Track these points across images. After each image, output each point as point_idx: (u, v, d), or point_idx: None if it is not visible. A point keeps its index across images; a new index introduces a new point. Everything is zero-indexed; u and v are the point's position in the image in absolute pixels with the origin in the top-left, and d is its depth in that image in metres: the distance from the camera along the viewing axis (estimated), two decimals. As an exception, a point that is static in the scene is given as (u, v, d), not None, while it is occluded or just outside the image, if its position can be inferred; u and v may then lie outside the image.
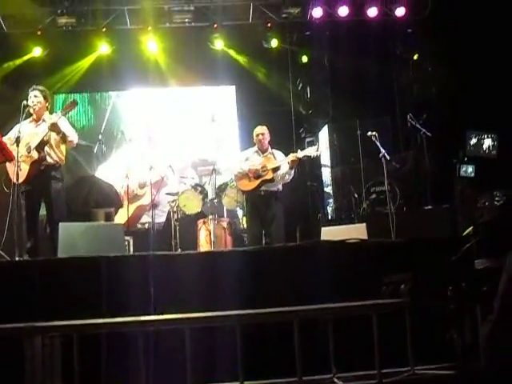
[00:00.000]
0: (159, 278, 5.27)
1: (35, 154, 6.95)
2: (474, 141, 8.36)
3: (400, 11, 10.84)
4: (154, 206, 8.75)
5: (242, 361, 4.50)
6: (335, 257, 5.69)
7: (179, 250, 8.38)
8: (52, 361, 4.39)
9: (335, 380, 4.61)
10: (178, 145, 9.11)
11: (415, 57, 11.35)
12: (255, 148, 8.39)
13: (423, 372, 4.68)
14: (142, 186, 9.14)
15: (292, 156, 7.91)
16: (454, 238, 6.05)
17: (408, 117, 9.26)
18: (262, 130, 8.35)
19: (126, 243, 7.77)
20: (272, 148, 8.38)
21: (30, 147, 6.94)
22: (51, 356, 4.38)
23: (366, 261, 5.60)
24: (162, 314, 4.65)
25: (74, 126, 7.39)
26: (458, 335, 4.93)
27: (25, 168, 6.93)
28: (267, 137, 8.33)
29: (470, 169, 8.26)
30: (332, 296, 4.88)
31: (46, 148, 7.06)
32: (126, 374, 4.62)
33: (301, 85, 11.59)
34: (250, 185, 8.17)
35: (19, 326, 4.36)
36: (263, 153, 8.29)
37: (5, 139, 6.86)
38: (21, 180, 6.85)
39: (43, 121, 7.16)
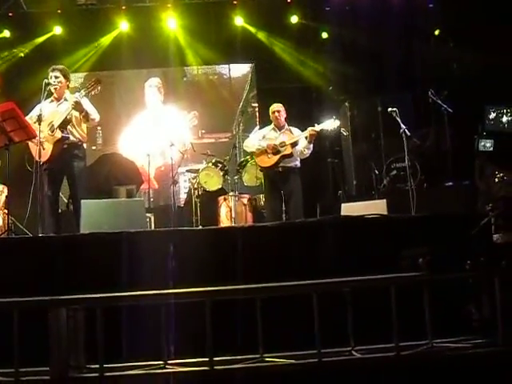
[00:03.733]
0: (180, 253, 5.33)
1: (58, 133, 6.99)
2: (492, 115, 8.29)
3: (421, -15, 10.73)
4: (174, 183, 8.78)
5: (261, 334, 4.56)
6: (355, 232, 5.72)
7: (200, 227, 8.44)
8: (76, 333, 4.48)
9: (353, 353, 4.64)
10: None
11: (436, 32, 11.24)
12: (272, 125, 8.48)
13: (441, 345, 4.69)
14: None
15: (310, 130, 7.97)
16: (472, 214, 6.04)
17: (429, 93, 9.20)
18: (277, 107, 8.46)
19: (148, 220, 7.83)
20: (289, 125, 8.47)
21: (53, 126, 6.98)
22: (75, 328, 4.47)
23: (385, 236, 5.61)
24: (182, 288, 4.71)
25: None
26: (477, 309, 4.95)
27: (48, 147, 6.99)
28: (283, 114, 8.44)
29: (489, 143, 8.20)
30: (351, 271, 4.91)
31: (69, 127, 7.11)
32: (147, 346, 4.69)
33: (321, 61, 11.51)
34: (269, 161, 8.25)
35: (45, 298, 4.46)
36: (280, 129, 8.38)
37: (26, 118, 6.92)
38: (44, 159, 6.90)
39: (65, 99, 7.21)
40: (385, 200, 7.82)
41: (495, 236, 4.98)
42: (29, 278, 5.16)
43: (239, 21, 11.33)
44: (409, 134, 8.27)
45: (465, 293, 5.00)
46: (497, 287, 4.61)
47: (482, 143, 8.23)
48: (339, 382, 4.37)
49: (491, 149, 8.15)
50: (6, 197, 8.22)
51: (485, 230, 5.03)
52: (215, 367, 4.37)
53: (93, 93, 7.08)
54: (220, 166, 9.27)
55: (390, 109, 8.39)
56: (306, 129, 8.19)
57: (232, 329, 4.94)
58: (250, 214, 8.96)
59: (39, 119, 6.80)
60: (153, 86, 8.74)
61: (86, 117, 7.11)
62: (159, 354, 4.57)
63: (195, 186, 9.25)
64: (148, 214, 7.89)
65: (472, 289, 4.96)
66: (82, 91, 7.07)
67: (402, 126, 8.21)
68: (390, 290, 4.53)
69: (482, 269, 4.77)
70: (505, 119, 8.42)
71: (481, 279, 4.90)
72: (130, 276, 5.12)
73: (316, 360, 4.42)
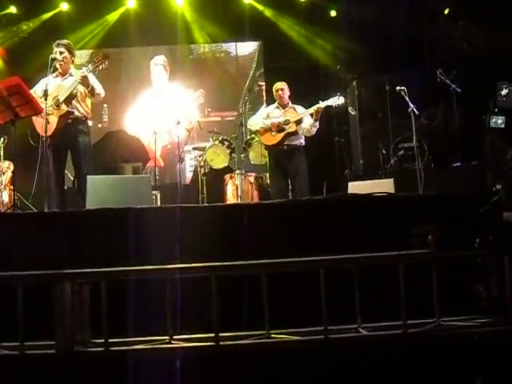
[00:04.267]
0: (186, 229, 5.31)
1: (64, 107, 6.97)
2: (504, 92, 8.17)
3: (431, -37, 10.61)
4: (180, 160, 8.75)
5: (268, 310, 4.54)
6: (362, 210, 5.69)
7: (205, 204, 8.40)
8: (81, 307, 4.46)
9: (360, 330, 4.62)
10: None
11: (446, 11, 11.12)
12: (276, 104, 8.48)
13: (449, 324, 4.66)
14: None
15: (315, 107, 7.93)
16: (481, 193, 5.98)
17: (438, 72, 9.10)
18: (281, 85, 8.44)
19: (154, 197, 7.81)
20: (296, 103, 8.42)
21: (58, 100, 6.95)
22: (80, 302, 4.46)
23: (393, 214, 5.57)
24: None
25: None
26: (485, 288, 4.92)
27: (53, 121, 6.94)
28: (287, 92, 8.42)
29: (500, 120, 8.09)
30: (358, 248, 4.87)
31: (74, 101, 7.08)
32: (153, 321, 4.69)
33: (329, 40, 11.42)
34: (273, 139, 8.23)
35: (49, 272, 4.45)
36: (284, 107, 8.36)
37: (31, 92, 6.88)
38: (48, 133, 6.85)
39: (70, 74, 7.17)
40: (392, 179, 7.80)
41: (505, 214, 4.93)
42: (34, 252, 5.15)
43: (247, -3, 11.24)
44: (417, 113, 8.19)
45: (473, 272, 4.96)
46: (506, 266, 4.56)
47: (494, 120, 8.13)
48: (346, 359, 4.34)
49: (502, 125, 8.06)
50: (13, 173, 8.21)
51: (495, 207, 4.99)
52: (221, 343, 4.36)
53: (100, 68, 7.03)
54: (227, 143, 9.21)
55: (398, 88, 8.30)
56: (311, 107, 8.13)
57: (238, 305, 4.92)
58: (256, 193, 8.91)
59: (45, 94, 6.75)
60: (158, 65, 8.71)
61: (92, 92, 7.07)
62: (165, 330, 4.55)
63: (201, 163, 9.20)
64: (154, 192, 7.87)
65: (481, 267, 4.93)
66: (89, 66, 7.02)
67: (411, 105, 8.13)
68: (399, 267, 4.49)
69: (491, 247, 4.73)
70: (517, 95, 8.33)
71: (490, 258, 4.86)
72: (136, 252, 5.10)
73: (322, 337, 4.40)
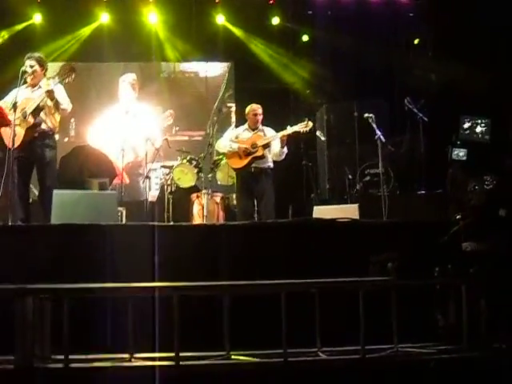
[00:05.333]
0: (149, 247, 5.32)
1: (31, 119, 6.91)
2: (467, 125, 8.38)
3: (403, -6, 10.83)
4: (147, 177, 8.77)
5: (228, 331, 4.57)
6: (325, 235, 5.76)
7: (171, 223, 8.41)
8: (42, 322, 4.44)
9: (320, 353, 4.67)
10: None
11: (416, 41, 11.35)
12: (246, 125, 8.43)
13: (406, 350, 4.74)
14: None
15: (281, 133, 7.97)
16: (443, 222, 6.09)
17: (405, 101, 9.26)
18: (258, 108, 8.33)
19: (119, 214, 7.80)
20: (264, 125, 8.38)
21: (25, 112, 6.91)
22: (41, 318, 4.43)
23: (355, 240, 5.66)
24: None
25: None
26: (442, 316, 5.02)
27: (20, 133, 6.89)
28: (261, 116, 8.36)
29: (462, 153, 8.28)
30: (321, 273, 4.93)
31: (42, 114, 7.05)
32: (114, 339, 4.69)
33: (300, 64, 11.54)
34: (240, 162, 8.21)
35: (11, 286, 4.42)
36: (253, 130, 8.32)
37: (1, 103, 6.85)
38: (15, 145, 6.80)
39: (40, 87, 7.15)
40: (357, 205, 7.89)
41: (465, 244, 5.04)
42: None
43: (221, 19, 11.33)
44: (384, 140, 8.32)
45: (432, 299, 5.06)
46: (463, 295, 4.67)
47: (456, 152, 8.31)
48: (304, 383, 4.38)
49: (464, 158, 8.24)
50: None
51: (455, 237, 5.09)
52: (181, 362, 4.37)
53: (67, 81, 7.01)
54: (194, 163, 9.23)
55: (366, 114, 8.43)
56: (281, 130, 8.16)
57: (199, 325, 4.94)
58: (222, 213, 8.92)
59: (14, 106, 6.73)
60: (126, 82, 8.75)
61: (57, 105, 7.04)
62: (126, 348, 4.55)
63: (168, 182, 9.21)
64: (120, 208, 7.87)
65: (439, 296, 5.02)
66: (56, 78, 7.01)
67: (377, 132, 8.25)
68: (359, 293, 4.56)
69: (449, 276, 4.84)
70: (479, 129, 8.51)
71: (448, 286, 4.96)
72: (105, 268, 5.08)
73: (282, 359, 4.44)
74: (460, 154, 8.29)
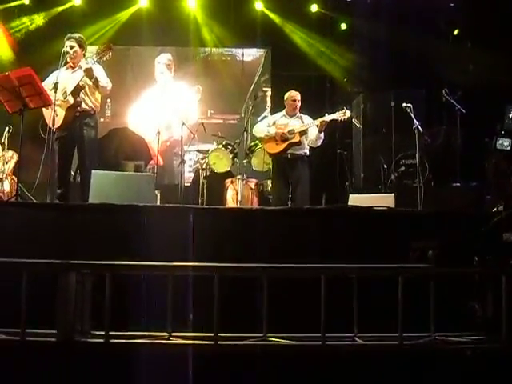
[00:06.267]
0: (190, 230, 5.36)
1: (71, 99, 7.00)
2: (513, 114, 8.30)
3: (444, -17, 10.72)
4: (182, 161, 8.80)
5: (267, 314, 4.59)
6: (362, 222, 5.75)
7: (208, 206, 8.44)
8: (83, 298, 4.50)
9: (356, 339, 4.67)
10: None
11: (455, 32, 11.23)
12: (283, 112, 8.46)
13: (443, 339, 4.72)
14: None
15: (320, 120, 7.98)
16: (482, 213, 6.05)
17: (443, 91, 9.18)
18: (297, 95, 8.40)
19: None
20: (301, 113, 8.42)
21: (65, 92, 7.00)
22: (82, 293, 4.50)
23: (392, 228, 5.64)
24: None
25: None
26: (480, 306, 4.98)
27: (61, 113, 7.00)
28: (299, 103, 8.39)
29: (507, 142, 8.19)
30: (356, 260, 4.93)
31: (82, 94, 7.11)
32: (153, 317, 4.73)
33: (338, 52, 11.50)
34: (277, 147, 8.24)
35: (56, 261, 4.49)
36: (291, 117, 8.36)
37: (42, 85, 6.92)
38: (56, 125, 6.91)
39: (79, 67, 7.19)
40: (393, 194, 7.86)
41: (506, 234, 4.99)
42: (37, 243, 5.21)
43: (259, 5, 11.35)
44: (422, 130, 8.25)
45: (470, 289, 5.02)
46: (503, 286, 4.63)
47: (500, 141, 8.22)
48: (341, 367, 4.39)
49: (508, 148, 8.15)
50: (16, 162, 8.23)
51: (496, 227, 5.05)
52: (219, 342, 4.40)
53: (104, 58, 7.05)
54: (230, 148, 9.25)
55: (404, 104, 8.35)
56: (317, 118, 8.17)
57: (238, 307, 4.96)
58: (255, 199, 8.94)
59: (55, 86, 6.82)
60: (161, 63, 8.75)
61: (96, 83, 7.09)
62: (164, 326, 4.59)
63: (203, 166, 9.23)
64: (155, 191, 7.92)
65: (478, 285, 4.99)
66: (93, 57, 7.07)
67: (416, 122, 8.17)
68: (398, 280, 4.55)
69: (489, 266, 4.80)
70: (524, 119, 8.41)
71: (487, 276, 4.92)
72: (141, 248, 5.13)
73: (319, 343, 4.45)
74: (505, 143, 8.20)
